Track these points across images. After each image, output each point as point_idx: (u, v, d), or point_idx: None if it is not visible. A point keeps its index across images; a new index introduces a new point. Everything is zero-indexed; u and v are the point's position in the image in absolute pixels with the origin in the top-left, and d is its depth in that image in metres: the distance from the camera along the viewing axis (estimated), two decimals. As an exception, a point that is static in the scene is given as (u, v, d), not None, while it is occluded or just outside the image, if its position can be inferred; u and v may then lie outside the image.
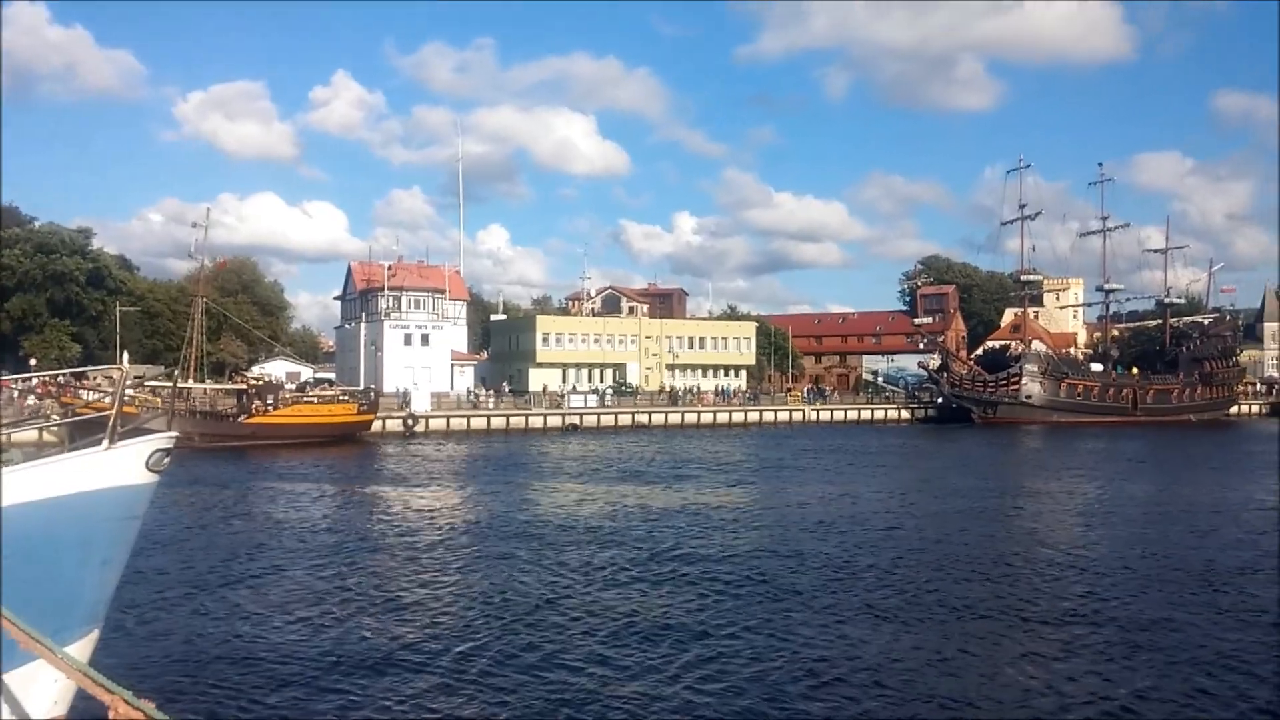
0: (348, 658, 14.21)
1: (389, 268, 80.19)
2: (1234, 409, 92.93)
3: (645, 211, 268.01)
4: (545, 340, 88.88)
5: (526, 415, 70.56)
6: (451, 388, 78.75)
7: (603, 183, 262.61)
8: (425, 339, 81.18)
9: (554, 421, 70.36)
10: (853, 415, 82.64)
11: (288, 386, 63.03)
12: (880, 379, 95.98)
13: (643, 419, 73.65)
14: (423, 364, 79.57)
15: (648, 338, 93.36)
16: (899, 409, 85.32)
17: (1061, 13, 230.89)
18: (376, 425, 60.09)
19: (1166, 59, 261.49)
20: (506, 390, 77.78)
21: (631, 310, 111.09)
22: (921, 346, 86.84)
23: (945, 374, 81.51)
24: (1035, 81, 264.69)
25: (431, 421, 64.96)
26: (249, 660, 14.07)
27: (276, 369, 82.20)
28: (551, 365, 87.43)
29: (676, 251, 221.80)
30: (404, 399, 66.11)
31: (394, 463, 44.87)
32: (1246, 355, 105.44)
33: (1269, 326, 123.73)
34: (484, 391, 76.04)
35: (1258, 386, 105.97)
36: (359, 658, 14.22)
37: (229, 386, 59.36)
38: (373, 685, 13.01)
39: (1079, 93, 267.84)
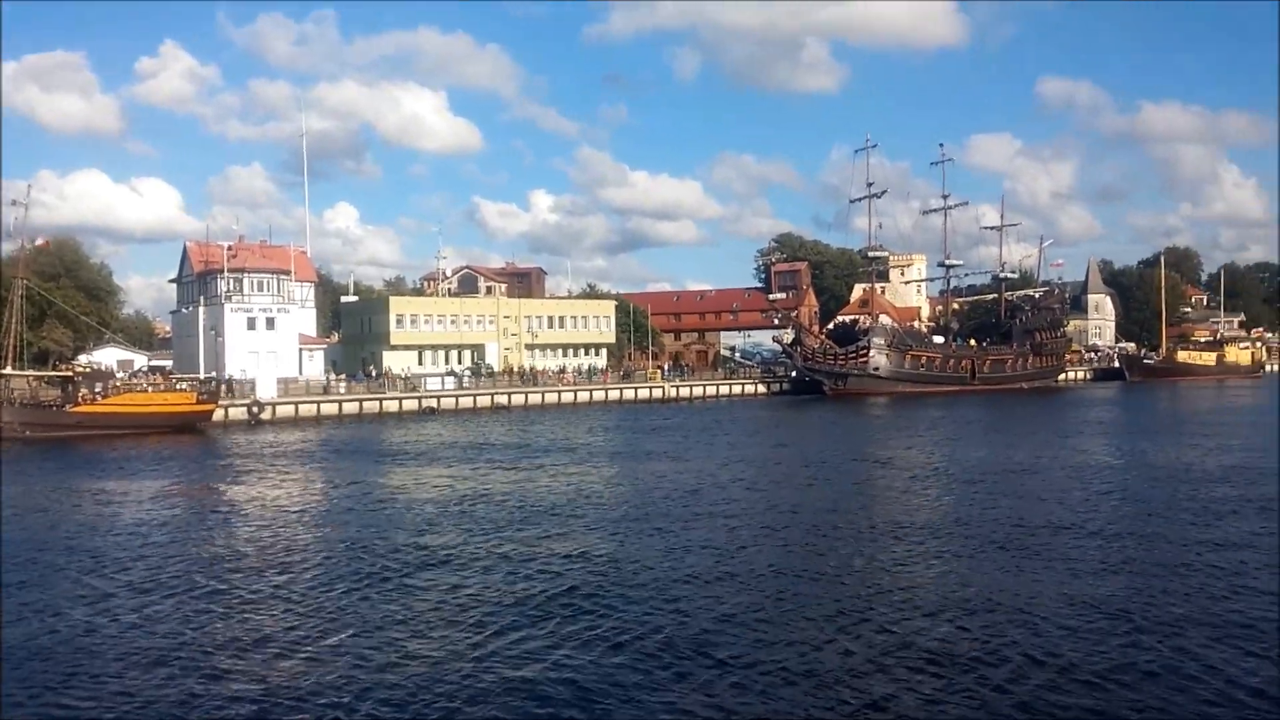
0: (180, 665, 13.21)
1: (229, 248, 75.95)
2: (1062, 376, 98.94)
3: (500, 189, 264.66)
4: (400, 322, 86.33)
5: (380, 399, 68.48)
6: (300, 373, 75.57)
7: (455, 160, 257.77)
8: (270, 323, 77.39)
9: (410, 405, 68.59)
10: (711, 391, 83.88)
11: (118, 374, 59.12)
12: (737, 354, 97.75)
13: (503, 400, 72.67)
14: (268, 349, 75.85)
15: (506, 318, 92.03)
16: (755, 383, 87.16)
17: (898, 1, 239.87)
18: (220, 414, 57.08)
19: (995, 47, 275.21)
20: (373, 375, 75.28)
21: (489, 290, 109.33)
22: (776, 322, 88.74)
23: (799, 348, 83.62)
24: (877, 65, 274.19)
25: (279, 409, 62.19)
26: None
27: (107, 357, 76.97)
28: (407, 347, 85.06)
29: (533, 230, 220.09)
30: (250, 386, 63.05)
31: (233, 453, 42.61)
32: (1073, 325, 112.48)
33: (1092, 298, 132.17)
34: (334, 376, 73.36)
35: (1083, 354, 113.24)
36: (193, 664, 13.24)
37: (50, 374, 55.24)
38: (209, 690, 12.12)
39: (918, 77, 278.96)
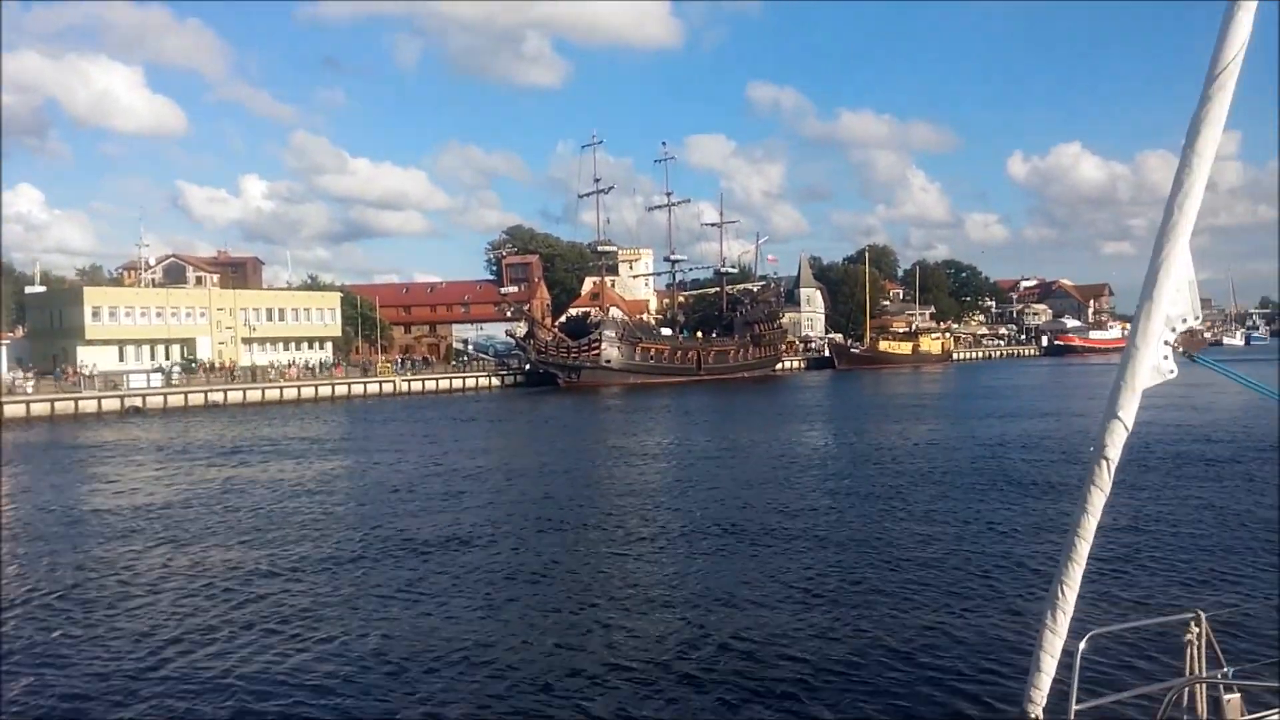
0: None
1: (-127, 230, 65.39)
2: (779, 365, 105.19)
3: (207, 173, 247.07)
4: (96, 315, 77.85)
5: (76, 399, 61.48)
6: (-29, 372, 66.28)
7: (155, 142, 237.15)
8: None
9: (111, 405, 62.05)
10: (444, 385, 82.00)
11: None
12: (471, 348, 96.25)
13: (217, 397, 67.28)
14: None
15: (220, 310, 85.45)
16: (489, 376, 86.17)
17: (615, 2, 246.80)
18: None
19: (708, 50, 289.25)
20: (74, 372, 67.14)
21: (200, 280, 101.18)
22: (509, 315, 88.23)
23: (532, 341, 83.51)
24: (598, 63, 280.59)
25: (-56, 413, 54.25)
26: None
27: None
28: (105, 342, 76.88)
29: (246, 218, 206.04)
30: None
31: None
32: (788, 318, 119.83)
33: (804, 292, 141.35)
34: (21, 374, 64.97)
35: (797, 345, 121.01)
36: None
37: None
38: None
39: (638, 76, 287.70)
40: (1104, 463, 5.04)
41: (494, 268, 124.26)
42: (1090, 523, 5.05)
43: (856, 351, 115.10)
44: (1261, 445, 31.30)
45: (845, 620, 13.78)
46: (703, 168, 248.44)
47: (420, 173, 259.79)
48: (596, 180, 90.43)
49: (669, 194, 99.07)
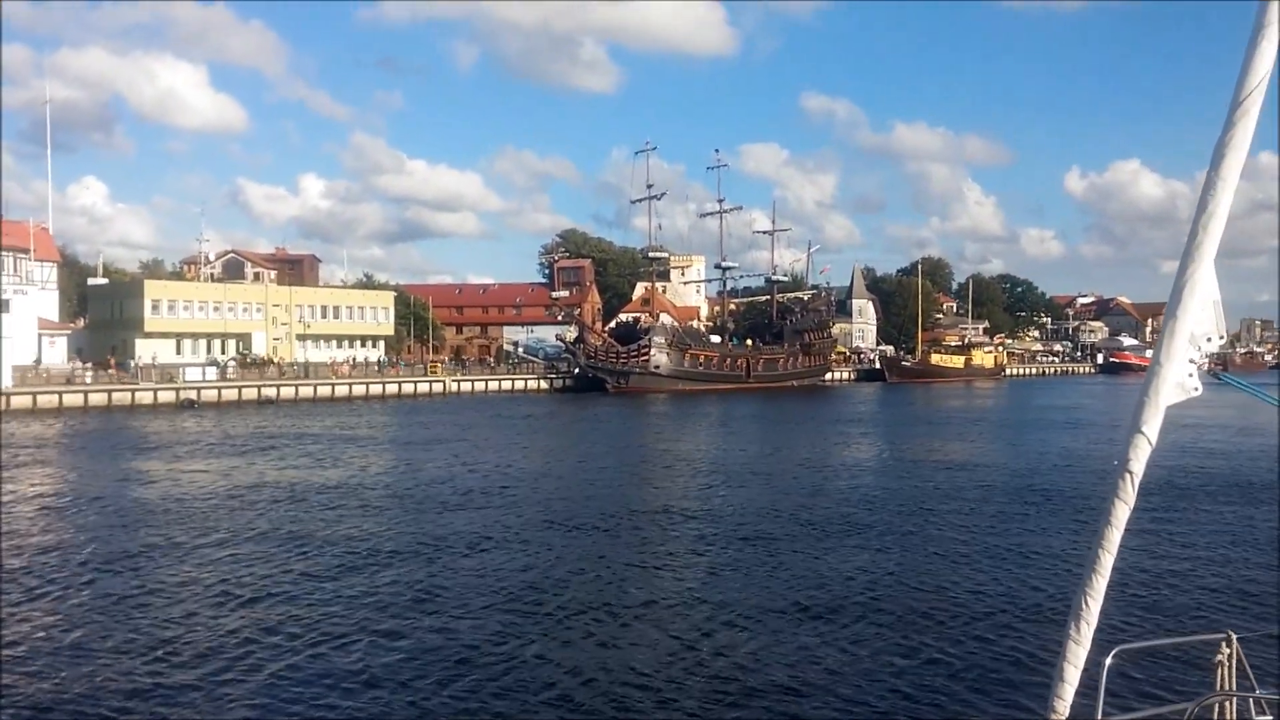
0: None
1: (-47, 221, 67.85)
2: (829, 375, 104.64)
3: (267, 172, 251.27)
4: (155, 308, 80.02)
5: (133, 390, 63.25)
6: (39, 360, 68.48)
7: (217, 139, 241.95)
8: (5, 305, 69.79)
9: (166, 397, 63.69)
10: (494, 386, 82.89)
11: None
12: (521, 350, 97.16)
13: (270, 392, 68.71)
14: (3, 334, 68.42)
15: (276, 306, 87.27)
16: (538, 379, 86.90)
17: (670, 8, 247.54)
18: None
19: (763, 59, 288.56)
20: (131, 363, 69.21)
21: (257, 276, 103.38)
22: (560, 318, 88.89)
23: (581, 345, 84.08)
24: (654, 69, 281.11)
25: (14, 399, 56.15)
26: None
27: None
28: (164, 335, 78.96)
29: (304, 215, 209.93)
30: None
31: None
32: (838, 328, 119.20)
33: (857, 303, 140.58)
34: (80, 363, 67.02)
35: (848, 355, 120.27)
36: None
37: None
38: None
39: (692, 83, 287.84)
40: (1128, 476, 5.12)
41: (546, 271, 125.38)
42: (1114, 535, 5.13)
43: (907, 364, 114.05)
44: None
45: (871, 626, 13.85)
46: (755, 176, 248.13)
47: (475, 175, 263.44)
48: (649, 186, 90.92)
49: (721, 201, 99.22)
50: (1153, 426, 5.15)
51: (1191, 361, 5.19)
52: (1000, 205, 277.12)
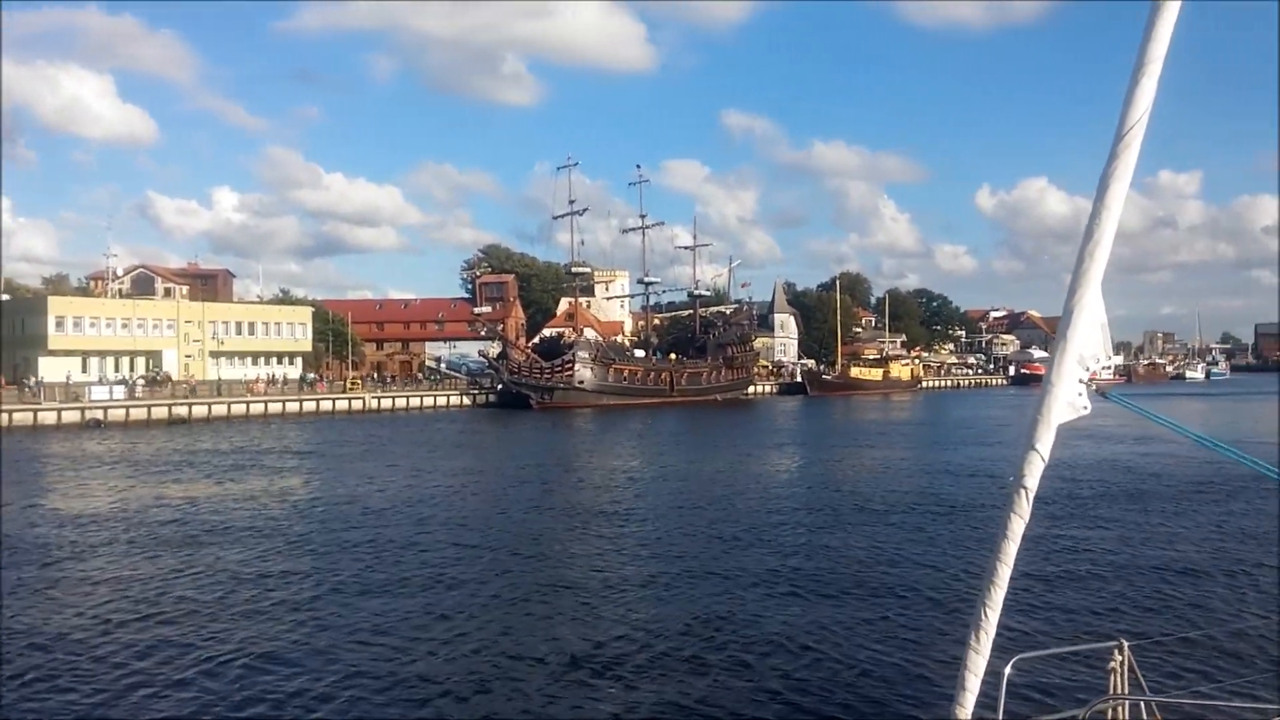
0: None
1: None
2: (751, 389, 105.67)
3: (178, 184, 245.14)
4: (60, 325, 77.24)
5: (35, 410, 60.76)
6: (-69, 380, 65.46)
7: (125, 150, 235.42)
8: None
9: (71, 417, 61.35)
10: (415, 403, 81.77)
11: None
12: (443, 366, 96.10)
13: (182, 411, 66.68)
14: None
15: (188, 322, 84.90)
16: (461, 395, 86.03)
17: (591, 23, 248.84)
18: None
19: (683, 76, 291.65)
20: (31, 382, 66.43)
21: (168, 292, 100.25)
22: (483, 334, 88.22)
23: (505, 361, 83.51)
24: (575, 84, 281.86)
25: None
26: None
27: None
28: (69, 353, 76.13)
29: (217, 229, 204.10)
30: None
31: None
32: (760, 342, 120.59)
33: (778, 317, 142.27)
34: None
35: (770, 369, 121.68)
36: None
37: None
38: None
39: (615, 99, 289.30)
40: (1023, 491, 5.35)
41: (469, 286, 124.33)
42: (1010, 547, 5.35)
43: (828, 377, 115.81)
44: (1188, 479, 31.57)
45: (778, 634, 14.11)
46: (677, 191, 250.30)
47: (395, 189, 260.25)
48: (571, 201, 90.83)
49: (643, 216, 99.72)
50: (1045, 443, 5.38)
51: (1080, 381, 5.44)
52: (915, 222, 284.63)
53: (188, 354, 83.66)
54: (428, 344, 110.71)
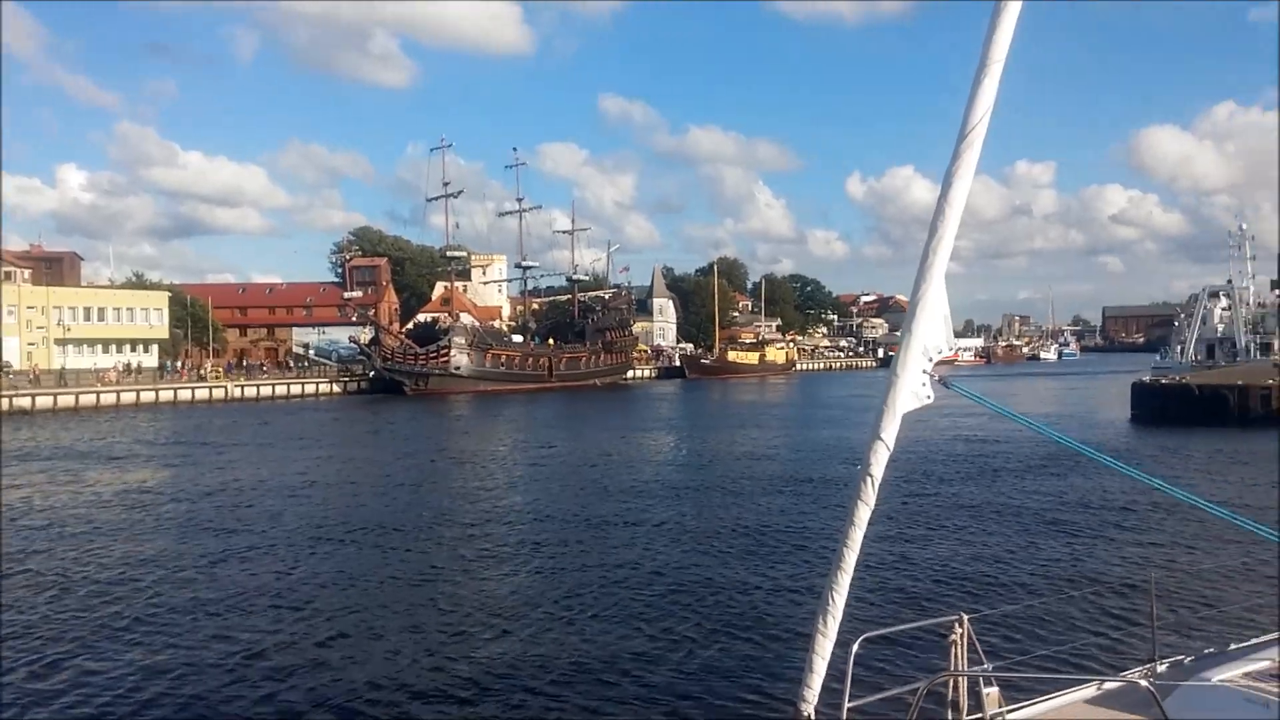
0: None
1: None
2: (630, 373, 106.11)
3: (19, 162, 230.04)
4: (-116, 311, 71.42)
5: None
6: None
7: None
8: None
9: (-104, 410, 56.86)
10: (281, 390, 78.90)
11: None
12: (312, 353, 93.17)
13: (24, 403, 62.46)
14: None
15: (30, 308, 79.69)
16: (331, 383, 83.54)
17: (464, 3, 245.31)
18: None
19: (561, 59, 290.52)
20: None
21: (9, 276, 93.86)
22: (354, 319, 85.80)
23: (377, 347, 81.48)
24: (449, 65, 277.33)
25: None
26: None
27: None
28: (-106, 342, 70.61)
29: (63, 209, 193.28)
30: None
31: None
32: (639, 326, 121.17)
33: (657, 301, 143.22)
34: None
35: (649, 353, 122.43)
36: None
37: None
38: None
39: (491, 81, 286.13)
40: (869, 479, 5.40)
41: (339, 270, 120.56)
42: (857, 534, 5.42)
43: (706, 361, 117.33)
44: (1034, 454, 32.99)
45: (631, 623, 14.09)
46: (555, 175, 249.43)
47: (259, 169, 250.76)
48: (446, 184, 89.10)
49: (520, 200, 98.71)
50: (890, 433, 5.39)
51: (924, 372, 5.46)
52: (790, 208, 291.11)
53: (31, 342, 78.55)
54: (295, 330, 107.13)
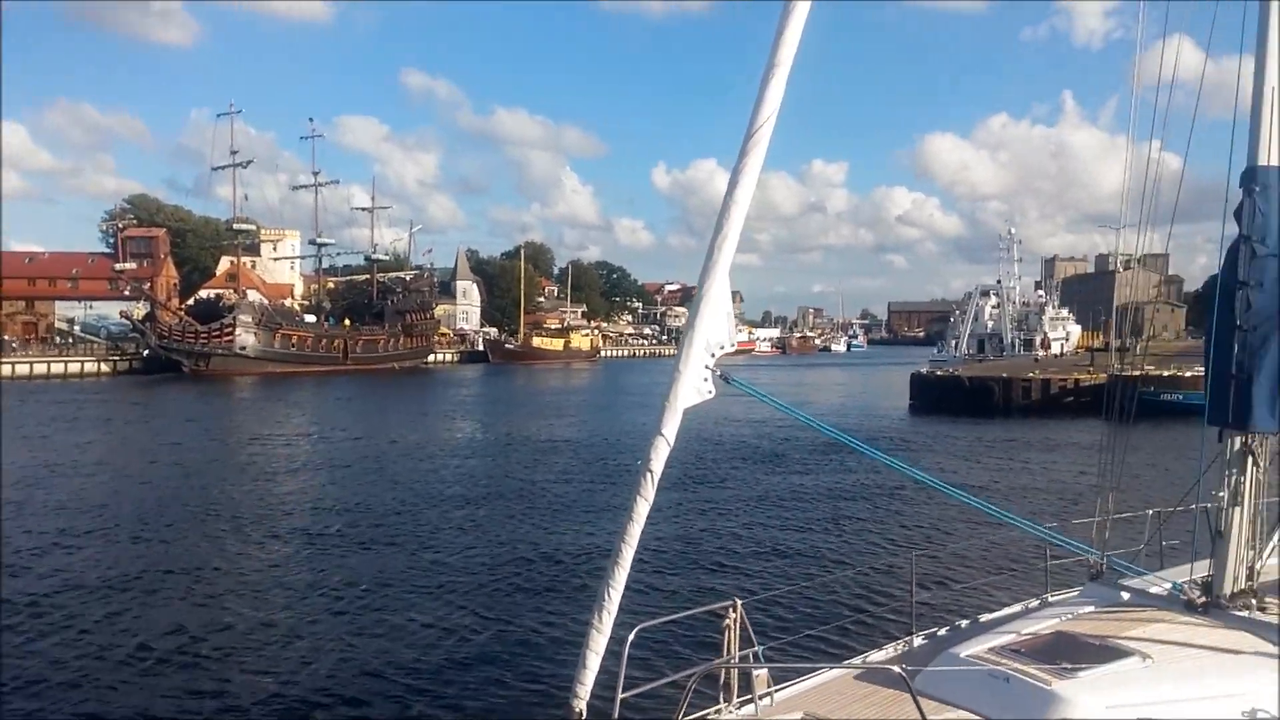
0: None
1: None
2: (432, 357, 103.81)
3: None
4: None
5: None
6: None
7: None
8: None
9: None
10: (41, 369, 72.16)
11: None
12: (78, 328, 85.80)
13: None
14: None
15: None
16: (99, 361, 77.21)
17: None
18: None
19: (361, 31, 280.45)
20: None
21: None
22: (127, 293, 79.55)
23: (153, 324, 75.99)
24: (238, 28, 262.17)
25: None
26: None
27: None
28: None
29: None
30: None
31: None
32: (442, 309, 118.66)
33: (461, 284, 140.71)
34: None
35: (452, 337, 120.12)
36: None
37: None
38: None
39: (285, 48, 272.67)
40: (649, 475, 5.37)
41: (110, 240, 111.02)
42: (635, 529, 5.40)
43: (510, 346, 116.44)
44: (816, 442, 34.42)
45: (406, 617, 13.78)
46: (354, 150, 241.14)
47: (20, 127, 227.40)
48: (234, 153, 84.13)
49: (316, 173, 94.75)
50: (671, 428, 5.37)
51: (706, 368, 5.46)
52: (597, 195, 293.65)
53: None
54: (58, 303, 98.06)
